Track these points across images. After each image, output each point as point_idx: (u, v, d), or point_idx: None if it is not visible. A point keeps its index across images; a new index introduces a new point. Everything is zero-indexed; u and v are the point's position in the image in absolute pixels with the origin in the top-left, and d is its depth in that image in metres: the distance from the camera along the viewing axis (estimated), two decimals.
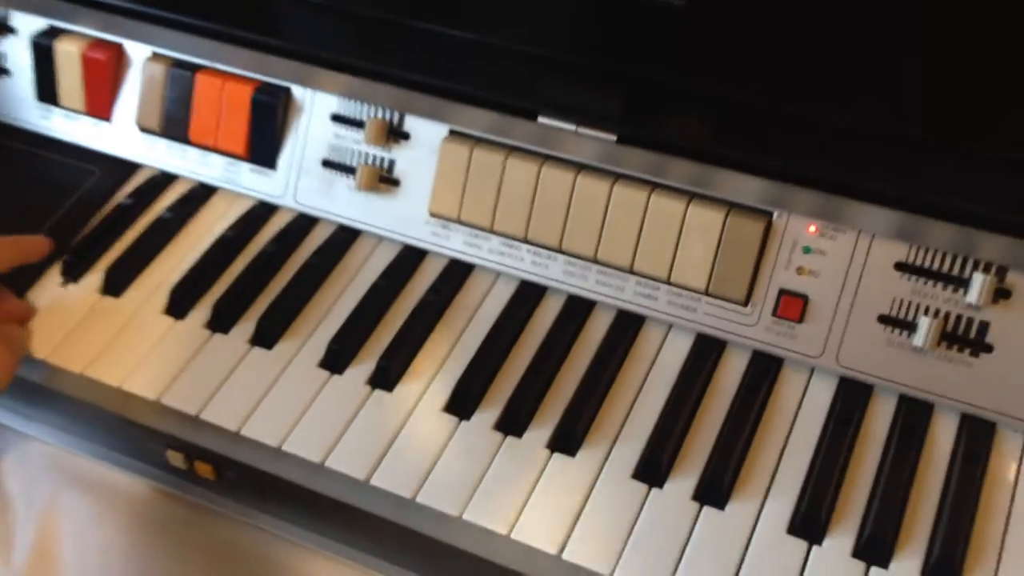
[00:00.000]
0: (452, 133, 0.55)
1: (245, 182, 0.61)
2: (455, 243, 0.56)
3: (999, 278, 0.47)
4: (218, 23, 0.59)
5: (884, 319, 0.49)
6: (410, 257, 0.57)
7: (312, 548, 0.53)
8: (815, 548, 0.44)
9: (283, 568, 0.53)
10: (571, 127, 0.51)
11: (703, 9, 0.52)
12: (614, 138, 0.51)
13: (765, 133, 0.51)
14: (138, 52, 0.62)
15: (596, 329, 0.53)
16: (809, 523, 0.45)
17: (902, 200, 0.48)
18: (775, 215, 0.50)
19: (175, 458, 0.54)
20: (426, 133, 0.56)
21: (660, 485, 0.47)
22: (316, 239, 0.59)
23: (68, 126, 0.65)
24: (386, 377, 0.51)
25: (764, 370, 0.51)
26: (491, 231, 0.55)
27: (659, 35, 0.53)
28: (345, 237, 0.58)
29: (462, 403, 0.50)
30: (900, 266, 0.49)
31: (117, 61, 0.63)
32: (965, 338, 0.48)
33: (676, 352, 0.52)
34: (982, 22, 0.48)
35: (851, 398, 0.50)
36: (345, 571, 0.53)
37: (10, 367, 0.54)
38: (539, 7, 0.55)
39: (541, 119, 0.52)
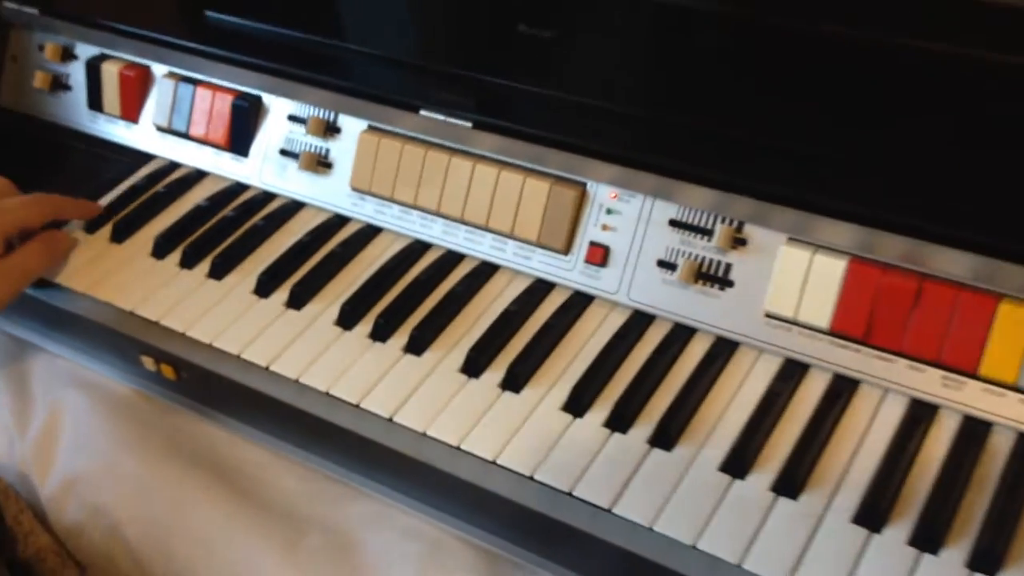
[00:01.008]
0: (369, 127, 0.74)
1: (223, 167, 0.80)
2: (367, 210, 0.74)
3: (737, 230, 0.62)
4: (212, 46, 0.79)
5: (661, 263, 0.64)
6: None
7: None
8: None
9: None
10: (441, 117, 0.69)
11: (562, 40, 0.70)
12: (470, 125, 0.68)
13: (582, 123, 0.67)
14: (160, 71, 0.83)
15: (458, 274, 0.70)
16: (579, 399, 0.60)
17: (672, 171, 0.63)
18: (587, 185, 0.66)
19: (150, 363, 0.72)
20: (353, 127, 0.75)
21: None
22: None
23: (109, 128, 0.86)
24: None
25: (578, 303, 0.66)
26: (392, 200, 0.72)
27: (520, 53, 0.70)
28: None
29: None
30: (672, 222, 0.64)
31: (144, 78, 0.84)
32: (714, 276, 0.62)
33: (515, 289, 0.68)
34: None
35: (636, 324, 0.64)
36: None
37: (38, 266, 0.72)
38: (435, 31, 0.73)
39: (423, 112, 0.70)
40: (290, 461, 0.69)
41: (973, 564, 0.50)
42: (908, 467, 0.55)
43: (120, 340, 0.72)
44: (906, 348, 0.57)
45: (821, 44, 0.71)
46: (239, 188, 0.79)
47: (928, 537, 0.51)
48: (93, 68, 0.84)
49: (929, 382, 0.57)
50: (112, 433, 0.72)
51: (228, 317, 0.69)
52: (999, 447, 0.55)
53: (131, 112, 0.84)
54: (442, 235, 0.71)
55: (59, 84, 0.87)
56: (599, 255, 0.65)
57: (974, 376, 0.56)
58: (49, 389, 0.76)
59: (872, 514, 0.53)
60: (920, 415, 0.57)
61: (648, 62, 0.69)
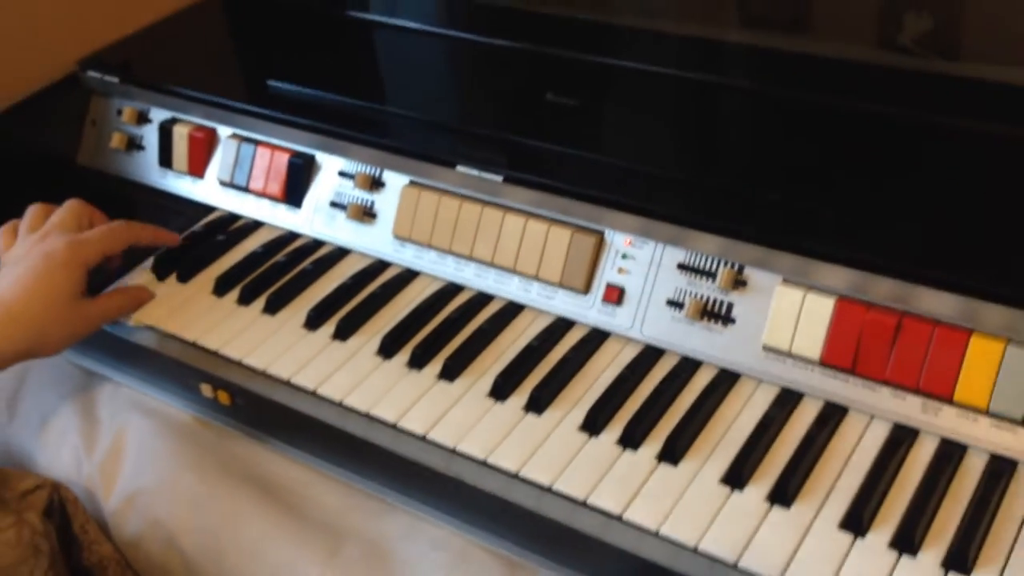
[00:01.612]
0: (411, 182, 0.82)
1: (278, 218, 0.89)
2: (407, 256, 0.82)
3: (738, 272, 0.69)
4: (265, 108, 0.89)
5: (670, 302, 0.71)
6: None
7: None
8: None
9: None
10: (476, 172, 0.77)
11: (584, 107, 0.79)
12: (501, 179, 0.76)
13: (601, 179, 0.75)
14: (224, 132, 0.93)
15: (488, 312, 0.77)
16: (594, 420, 0.67)
17: (681, 221, 0.71)
18: (605, 233, 0.74)
19: (208, 390, 0.80)
20: (396, 182, 0.83)
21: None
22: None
23: (176, 183, 0.95)
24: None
25: (595, 338, 0.73)
26: (430, 246, 0.81)
27: (547, 118, 0.79)
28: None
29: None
30: (680, 266, 0.71)
31: (210, 139, 0.94)
32: (717, 314, 0.69)
33: (539, 326, 0.75)
34: None
35: (648, 357, 0.71)
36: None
37: (116, 314, 0.80)
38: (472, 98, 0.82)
39: (459, 168, 0.78)
40: (331, 479, 0.76)
41: (947, 564, 0.56)
42: (890, 481, 0.61)
43: (182, 369, 0.80)
44: (889, 377, 0.63)
45: (812, 112, 0.79)
46: (291, 236, 0.88)
47: (907, 540, 0.57)
48: (165, 130, 0.94)
49: (910, 408, 0.63)
50: (171, 454, 0.79)
51: (280, 347, 0.77)
52: (973, 466, 0.61)
53: (197, 169, 0.93)
54: (474, 277, 0.79)
55: (134, 144, 0.97)
56: (615, 295, 0.73)
57: (950, 402, 0.62)
58: (115, 415, 0.84)
59: (857, 520, 0.59)
60: (901, 437, 0.63)
61: (659, 126, 0.77)
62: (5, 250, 0.82)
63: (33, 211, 0.84)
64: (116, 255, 0.82)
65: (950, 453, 0.62)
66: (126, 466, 0.80)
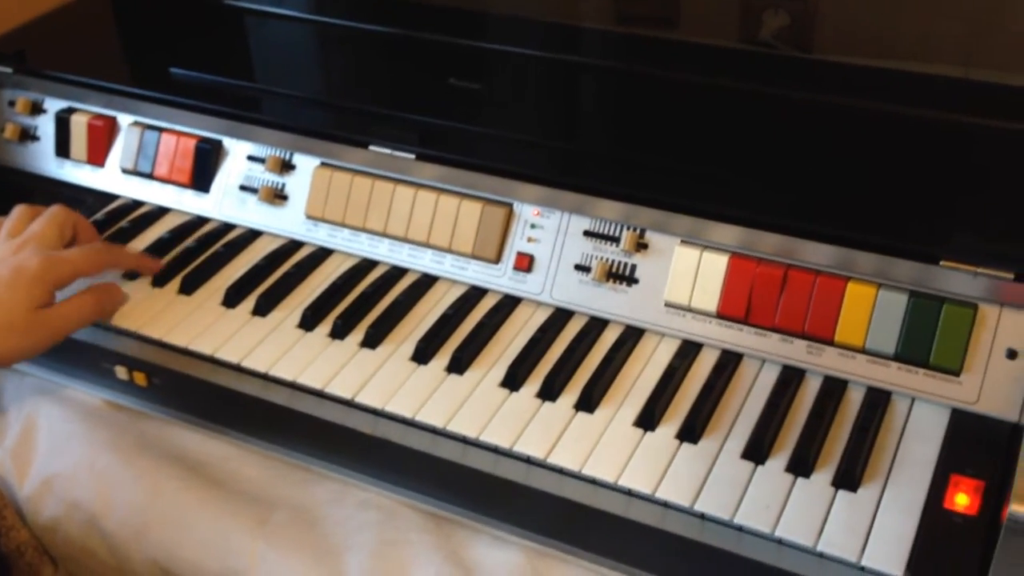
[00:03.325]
0: (322, 164, 0.85)
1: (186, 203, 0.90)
2: (320, 235, 0.84)
3: (640, 236, 0.75)
4: (171, 95, 0.90)
5: (577, 267, 0.76)
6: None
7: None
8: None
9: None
10: (388, 151, 0.81)
11: (487, 90, 0.83)
12: (413, 157, 0.80)
13: (508, 154, 0.80)
14: (126, 120, 0.93)
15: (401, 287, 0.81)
16: (514, 376, 0.71)
17: (585, 190, 0.76)
18: (514, 204, 0.79)
19: (123, 372, 0.80)
20: (307, 164, 0.86)
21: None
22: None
23: (75, 172, 0.95)
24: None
25: (508, 304, 0.78)
26: (343, 224, 0.83)
27: (452, 99, 0.83)
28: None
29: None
30: (586, 232, 0.76)
31: (111, 128, 0.93)
32: (622, 275, 0.75)
33: (453, 296, 0.79)
34: None
35: (558, 319, 0.76)
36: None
37: (82, 320, 0.76)
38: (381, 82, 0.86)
39: (372, 147, 0.82)
40: (255, 453, 0.78)
41: (836, 483, 0.63)
42: (783, 417, 0.67)
43: (95, 353, 0.80)
44: (778, 324, 0.70)
45: (700, 90, 0.86)
46: (200, 221, 0.89)
47: (802, 464, 0.64)
48: (62, 120, 0.93)
49: (796, 351, 0.70)
50: (86, 437, 0.79)
51: (200, 325, 0.78)
52: (854, 399, 0.68)
53: (97, 158, 0.93)
54: (388, 253, 0.82)
55: (28, 135, 0.96)
56: (525, 263, 0.77)
57: (831, 343, 0.69)
58: (21, 403, 0.83)
59: (757, 450, 0.65)
60: (791, 377, 0.70)
61: (559, 106, 0.83)
62: None
63: (17, 213, 0.82)
64: (90, 277, 0.79)
65: (833, 389, 0.69)
66: (39, 451, 0.80)
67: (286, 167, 0.86)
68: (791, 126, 0.82)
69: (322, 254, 0.84)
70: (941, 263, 0.66)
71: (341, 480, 0.75)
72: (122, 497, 0.76)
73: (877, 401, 0.67)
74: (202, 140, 0.89)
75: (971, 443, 0.64)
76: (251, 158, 0.87)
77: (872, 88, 0.83)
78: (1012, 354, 0.65)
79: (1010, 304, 0.66)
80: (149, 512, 0.75)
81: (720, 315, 0.72)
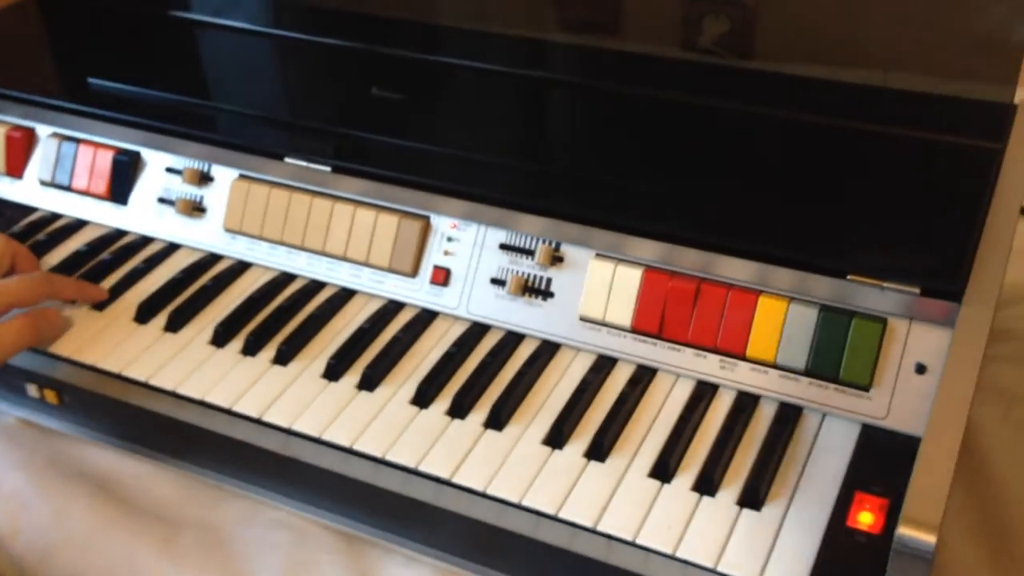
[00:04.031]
0: (240, 176, 0.84)
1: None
2: (238, 248, 0.83)
3: (555, 249, 0.74)
4: (87, 106, 0.88)
5: (493, 280, 0.75)
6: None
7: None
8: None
9: None
10: (304, 163, 0.80)
11: (409, 101, 0.82)
12: (329, 169, 0.79)
13: (425, 167, 0.78)
14: (44, 131, 0.91)
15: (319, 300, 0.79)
16: (424, 393, 0.70)
17: (501, 203, 0.75)
18: (431, 217, 0.78)
19: (34, 390, 0.78)
20: (225, 176, 0.84)
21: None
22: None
23: None
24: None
25: (424, 318, 0.77)
26: (261, 238, 0.82)
27: (372, 111, 0.82)
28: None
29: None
30: (502, 246, 0.75)
31: (29, 139, 0.92)
32: (537, 289, 0.74)
33: (370, 310, 0.78)
34: None
35: (474, 333, 0.75)
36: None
37: (15, 345, 0.72)
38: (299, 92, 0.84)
39: (288, 159, 0.80)
40: (166, 471, 0.76)
41: (742, 502, 0.62)
42: (692, 433, 0.67)
43: (6, 370, 0.78)
44: (691, 339, 0.70)
45: (618, 101, 0.86)
46: (118, 234, 0.87)
47: (707, 483, 0.63)
48: None
49: (710, 366, 0.69)
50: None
51: (110, 342, 0.76)
52: (765, 414, 0.68)
53: (16, 169, 0.91)
54: (306, 266, 0.81)
55: None
56: (441, 276, 0.76)
57: (743, 358, 0.68)
58: None
59: (663, 468, 0.64)
60: (703, 392, 0.69)
61: (479, 117, 0.82)
62: None
63: None
64: (28, 306, 0.76)
65: (744, 404, 0.68)
66: None
67: (204, 179, 0.85)
68: (710, 138, 0.81)
69: (240, 267, 0.83)
70: (848, 277, 0.65)
71: (254, 499, 0.74)
72: (30, 519, 0.74)
73: (788, 417, 0.67)
74: (120, 152, 0.87)
75: (879, 460, 0.63)
76: (169, 170, 0.86)
77: (787, 97, 0.82)
78: (921, 369, 0.65)
79: (919, 319, 0.65)
80: (55, 534, 0.73)
81: (634, 330, 0.71)
